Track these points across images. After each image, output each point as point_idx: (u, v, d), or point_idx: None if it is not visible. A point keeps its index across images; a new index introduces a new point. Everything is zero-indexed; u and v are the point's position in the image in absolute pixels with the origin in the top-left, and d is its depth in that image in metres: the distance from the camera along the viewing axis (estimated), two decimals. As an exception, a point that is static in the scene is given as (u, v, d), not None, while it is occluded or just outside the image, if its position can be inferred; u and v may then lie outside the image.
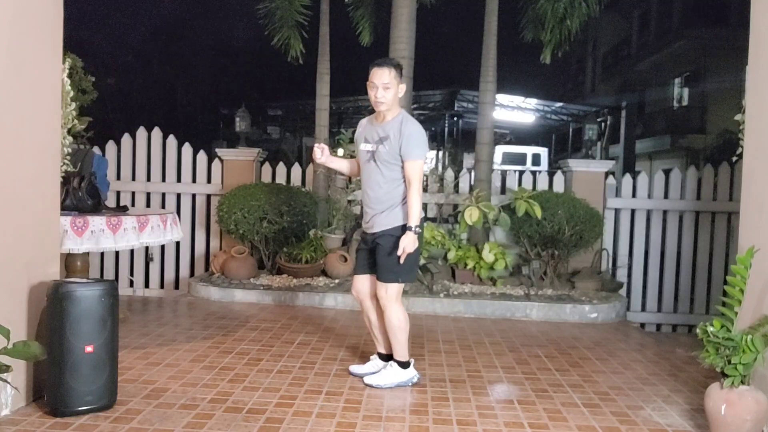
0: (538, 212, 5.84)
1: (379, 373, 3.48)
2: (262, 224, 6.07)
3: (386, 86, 3.30)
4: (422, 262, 5.96)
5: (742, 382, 2.71)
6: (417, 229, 3.26)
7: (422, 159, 3.34)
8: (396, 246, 3.29)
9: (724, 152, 11.27)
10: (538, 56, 7.30)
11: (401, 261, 3.27)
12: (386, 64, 3.35)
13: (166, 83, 22.02)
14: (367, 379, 3.46)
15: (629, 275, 6.76)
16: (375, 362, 3.63)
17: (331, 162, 3.66)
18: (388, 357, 3.56)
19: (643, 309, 6.77)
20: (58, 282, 2.91)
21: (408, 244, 3.24)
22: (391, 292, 3.40)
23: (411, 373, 3.48)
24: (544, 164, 17.92)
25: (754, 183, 3.18)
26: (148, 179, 7.04)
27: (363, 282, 3.55)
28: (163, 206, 6.98)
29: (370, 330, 3.64)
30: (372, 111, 3.55)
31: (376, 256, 3.42)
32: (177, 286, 6.98)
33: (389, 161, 3.33)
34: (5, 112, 2.81)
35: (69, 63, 4.28)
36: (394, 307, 3.40)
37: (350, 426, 2.87)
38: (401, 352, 3.45)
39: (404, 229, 3.31)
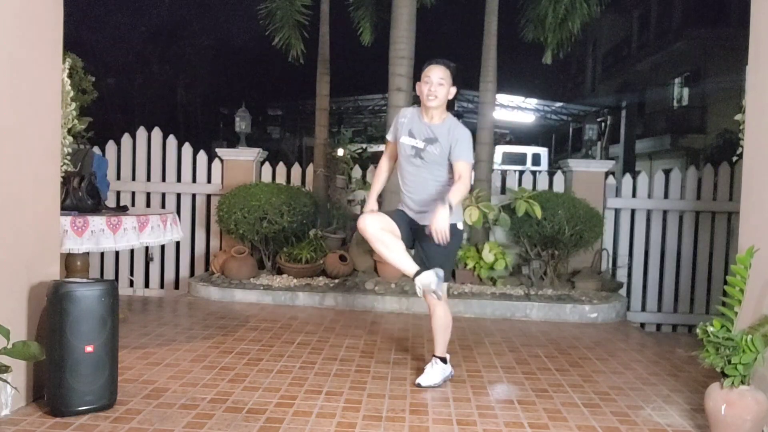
0: (538, 212, 5.84)
1: (428, 376, 3.49)
2: (262, 224, 6.07)
3: (441, 82, 3.33)
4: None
5: (742, 382, 2.71)
6: (450, 205, 3.15)
7: (471, 161, 3.38)
8: (448, 242, 3.25)
9: (724, 152, 11.29)
10: (538, 56, 7.29)
11: (439, 240, 3.14)
12: (444, 63, 3.38)
13: (166, 83, 22.02)
14: (421, 381, 3.47)
15: (629, 275, 6.76)
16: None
17: (375, 194, 3.68)
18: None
19: (643, 309, 6.77)
20: (58, 282, 2.91)
21: (441, 219, 3.11)
22: (445, 290, 3.41)
23: (449, 368, 3.59)
24: (544, 164, 17.93)
25: (754, 183, 3.18)
26: (148, 179, 7.04)
27: (386, 223, 3.35)
28: (163, 206, 6.97)
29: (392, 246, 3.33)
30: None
31: (424, 248, 3.41)
32: (177, 286, 6.98)
33: (438, 163, 3.36)
34: (5, 112, 2.81)
35: (69, 63, 4.28)
36: (445, 305, 3.47)
37: (350, 426, 2.87)
38: (443, 349, 3.54)
39: (454, 227, 3.32)
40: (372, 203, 3.67)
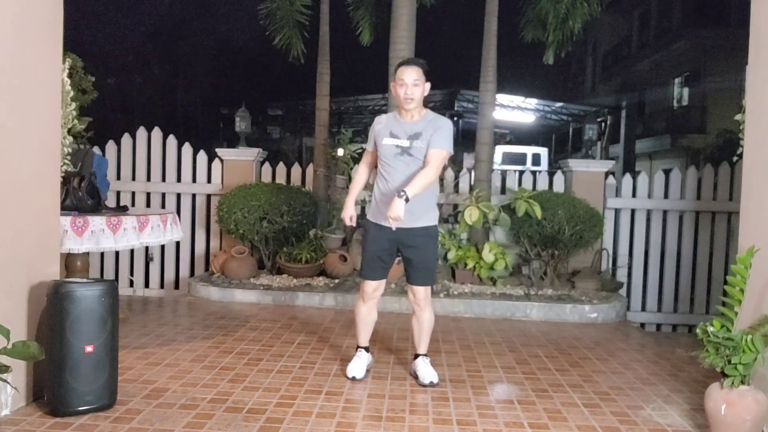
0: (538, 212, 5.84)
1: (429, 373, 3.53)
2: (262, 224, 6.07)
3: (416, 83, 3.35)
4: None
5: (742, 382, 2.71)
6: (407, 198, 3.13)
7: (447, 151, 3.36)
8: (434, 247, 3.49)
9: (724, 152, 11.28)
10: (538, 56, 7.29)
11: (393, 226, 3.18)
12: (415, 63, 3.43)
13: (166, 83, 22.04)
14: (431, 379, 3.50)
15: (629, 275, 6.76)
16: (365, 355, 3.70)
17: (353, 198, 3.66)
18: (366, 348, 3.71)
19: (643, 309, 6.77)
20: (58, 282, 2.91)
21: (397, 210, 3.10)
22: (429, 293, 3.58)
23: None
24: (544, 164, 17.91)
25: (755, 182, 3.18)
26: (148, 179, 7.04)
27: (380, 287, 3.58)
28: (163, 206, 6.98)
29: (365, 326, 3.66)
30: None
31: (413, 257, 3.45)
32: (177, 286, 6.99)
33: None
34: (5, 112, 2.81)
35: (69, 63, 4.29)
36: (430, 307, 3.61)
37: (350, 426, 2.88)
38: (426, 347, 3.66)
39: (435, 229, 3.48)
40: (350, 209, 3.61)
